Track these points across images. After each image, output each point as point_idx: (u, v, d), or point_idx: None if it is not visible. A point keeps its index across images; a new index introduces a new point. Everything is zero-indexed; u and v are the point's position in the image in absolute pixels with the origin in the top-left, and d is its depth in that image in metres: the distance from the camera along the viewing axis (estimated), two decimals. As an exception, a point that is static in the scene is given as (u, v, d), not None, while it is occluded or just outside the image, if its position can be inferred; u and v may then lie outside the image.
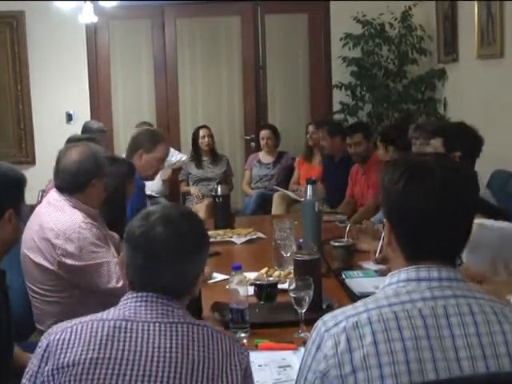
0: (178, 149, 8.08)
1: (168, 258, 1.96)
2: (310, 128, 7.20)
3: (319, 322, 1.73)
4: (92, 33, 8.09)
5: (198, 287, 2.09)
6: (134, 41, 8.31)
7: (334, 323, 1.69)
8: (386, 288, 1.76)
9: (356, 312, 1.69)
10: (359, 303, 1.73)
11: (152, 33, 8.27)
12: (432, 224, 1.71)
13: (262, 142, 7.60)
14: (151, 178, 4.82)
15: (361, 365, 1.62)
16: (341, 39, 7.58)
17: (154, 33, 8.26)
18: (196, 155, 7.57)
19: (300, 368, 1.74)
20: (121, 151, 7.83)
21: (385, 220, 1.81)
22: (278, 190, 6.99)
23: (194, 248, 2.00)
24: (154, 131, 5.19)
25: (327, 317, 1.73)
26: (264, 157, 7.59)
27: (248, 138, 8.41)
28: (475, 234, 2.47)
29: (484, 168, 4.53)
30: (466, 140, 4.23)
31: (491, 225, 2.64)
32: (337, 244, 3.77)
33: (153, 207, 2.09)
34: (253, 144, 8.31)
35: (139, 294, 1.96)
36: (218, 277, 3.58)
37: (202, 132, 7.55)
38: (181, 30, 8.29)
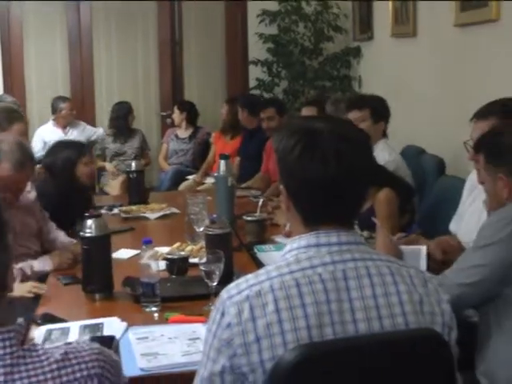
0: (93, 124, 7.97)
1: None
2: (224, 104, 7.22)
3: (223, 291, 1.74)
4: (4, 7, 7.88)
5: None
6: (47, 15, 8.11)
7: (236, 291, 1.70)
8: (287, 255, 1.78)
9: (258, 280, 1.70)
10: (262, 271, 1.75)
11: (66, 7, 8.10)
12: (328, 191, 1.73)
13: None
14: None
15: (264, 333, 1.63)
16: (257, 16, 7.58)
17: (69, 7, 8.09)
18: (117, 129, 7.47)
19: (205, 336, 1.74)
20: (34, 126, 7.73)
21: (281, 187, 1.82)
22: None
23: None
24: (11, 109, 5.00)
25: (231, 285, 1.74)
26: (181, 131, 7.58)
27: (164, 114, 8.36)
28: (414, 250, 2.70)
29: (395, 143, 4.63)
30: (387, 111, 4.43)
31: None
32: (249, 218, 3.81)
33: None
34: (168, 120, 8.26)
35: None
36: (130, 252, 3.58)
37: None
38: (96, 3, 8.14)
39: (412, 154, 5.23)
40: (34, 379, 1.44)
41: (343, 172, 1.72)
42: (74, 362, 1.49)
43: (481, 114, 3.03)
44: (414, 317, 1.71)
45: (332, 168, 1.71)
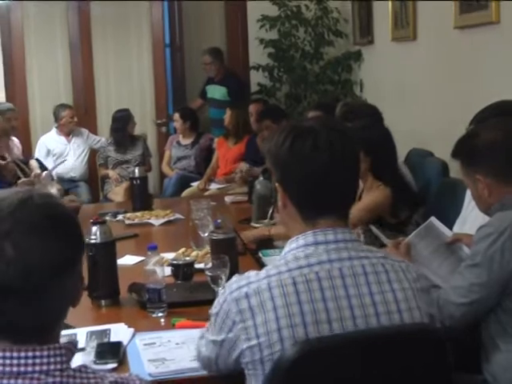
0: (95, 132, 7.97)
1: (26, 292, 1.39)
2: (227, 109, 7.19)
3: (226, 285, 1.84)
4: (5, 13, 7.87)
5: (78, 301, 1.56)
6: (48, 21, 8.08)
7: (236, 287, 1.79)
8: (286, 254, 1.84)
9: (258, 278, 1.78)
10: (263, 270, 1.81)
11: (67, 13, 8.06)
12: (322, 179, 1.81)
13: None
14: None
15: (263, 329, 1.72)
16: (257, 21, 7.58)
17: (69, 13, 8.05)
18: (118, 138, 7.45)
19: (211, 325, 1.86)
20: (37, 135, 7.75)
21: (277, 184, 1.88)
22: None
23: (67, 265, 1.44)
24: None
25: (233, 279, 1.83)
26: (183, 138, 7.57)
27: (159, 122, 8.32)
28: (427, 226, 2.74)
29: (400, 147, 4.62)
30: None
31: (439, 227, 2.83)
32: (258, 225, 3.86)
33: None
34: (164, 128, 8.27)
35: None
36: (134, 259, 3.59)
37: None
38: (94, 10, 8.09)
39: (417, 157, 5.24)
40: None
41: (335, 160, 1.81)
42: None
43: (479, 120, 3.03)
44: (408, 313, 1.79)
45: (324, 155, 1.79)
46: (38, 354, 1.39)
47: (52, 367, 1.40)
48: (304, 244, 1.82)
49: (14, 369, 1.37)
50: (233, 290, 1.78)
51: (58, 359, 1.41)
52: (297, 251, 1.82)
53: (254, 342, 1.72)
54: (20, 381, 1.37)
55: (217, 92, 7.95)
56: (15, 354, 1.38)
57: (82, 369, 1.45)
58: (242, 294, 1.76)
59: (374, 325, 1.75)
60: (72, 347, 1.48)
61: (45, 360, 1.39)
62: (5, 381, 1.37)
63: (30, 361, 1.38)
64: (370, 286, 1.78)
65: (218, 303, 1.82)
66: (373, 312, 1.75)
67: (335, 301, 1.74)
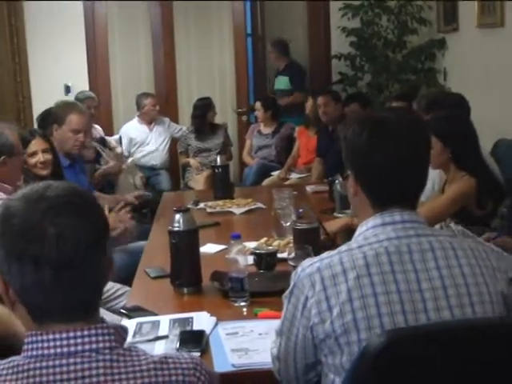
0: (176, 121, 8.03)
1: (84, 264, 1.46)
2: (309, 98, 7.13)
3: (298, 266, 1.91)
4: (89, 4, 7.98)
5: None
6: (131, 12, 8.20)
7: (309, 264, 1.87)
8: (357, 237, 1.91)
9: (329, 255, 1.87)
10: (335, 250, 1.88)
11: (149, 9, 8.18)
12: (394, 173, 1.89)
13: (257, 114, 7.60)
14: (77, 152, 4.71)
15: (335, 301, 1.78)
16: (340, 9, 7.52)
17: (152, 4, 8.17)
18: (198, 125, 7.48)
19: (285, 307, 1.90)
20: (119, 123, 7.85)
21: (349, 172, 1.98)
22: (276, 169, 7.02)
23: (100, 238, 1.51)
24: (66, 102, 5.10)
25: (305, 261, 1.91)
26: (264, 127, 7.56)
27: (240, 110, 8.35)
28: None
29: (487, 137, 4.51)
30: (467, 109, 4.30)
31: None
32: (341, 215, 3.81)
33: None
34: (244, 117, 8.27)
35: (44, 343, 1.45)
36: (216, 247, 3.58)
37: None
38: (177, 2, 8.18)
39: (504, 147, 5.10)
40: (131, 375, 1.45)
41: (407, 153, 1.88)
42: (171, 365, 1.50)
43: None
44: (475, 288, 1.81)
45: (395, 151, 1.87)
46: (86, 333, 1.45)
47: (101, 345, 1.45)
48: (373, 225, 1.89)
49: (65, 349, 1.44)
50: (305, 267, 1.86)
51: (107, 338, 1.46)
52: (366, 233, 1.89)
53: (326, 314, 1.78)
54: (72, 360, 1.43)
55: (281, 82, 8.01)
56: (64, 335, 1.44)
57: (132, 348, 1.51)
58: (314, 268, 1.83)
59: (442, 298, 1.78)
60: (122, 331, 1.52)
61: (93, 338, 1.45)
62: (57, 361, 1.43)
63: (79, 340, 1.44)
64: (437, 261, 1.83)
65: (292, 282, 1.88)
66: (440, 285, 1.79)
67: (404, 274, 1.79)
